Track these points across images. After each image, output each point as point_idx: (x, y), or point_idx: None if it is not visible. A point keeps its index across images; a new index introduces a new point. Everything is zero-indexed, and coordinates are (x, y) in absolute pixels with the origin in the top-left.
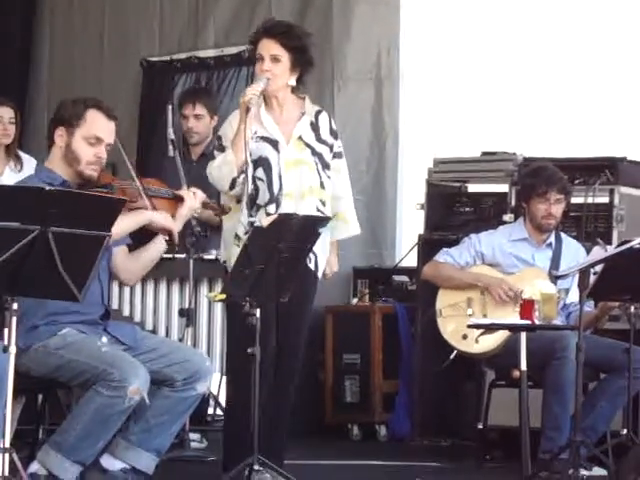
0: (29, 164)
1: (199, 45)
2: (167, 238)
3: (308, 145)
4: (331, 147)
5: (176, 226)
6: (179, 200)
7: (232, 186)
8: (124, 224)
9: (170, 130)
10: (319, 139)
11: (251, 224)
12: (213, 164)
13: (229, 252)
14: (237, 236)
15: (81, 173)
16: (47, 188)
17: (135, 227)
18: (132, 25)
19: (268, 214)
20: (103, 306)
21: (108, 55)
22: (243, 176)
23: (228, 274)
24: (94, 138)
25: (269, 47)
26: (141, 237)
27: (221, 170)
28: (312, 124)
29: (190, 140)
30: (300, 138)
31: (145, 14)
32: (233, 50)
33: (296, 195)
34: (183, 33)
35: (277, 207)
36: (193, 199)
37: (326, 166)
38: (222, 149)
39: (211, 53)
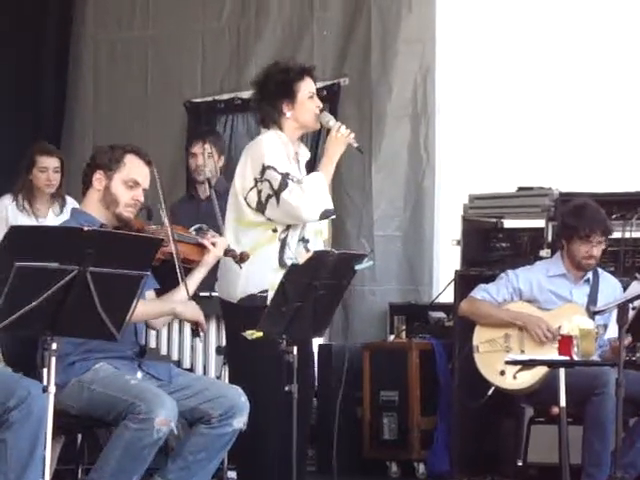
0: (70, 207)
1: (242, 86)
2: (194, 327)
3: None
4: None
5: (201, 274)
6: (204, 247)
7: (324, 216)
8: (149, 309)
9: (206, 170)
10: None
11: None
12: (302, 190)
13: (274, 280)
14: (284, 264)
15: (119, 215)
16: (85, 228)
17: (158, 316)
18: (175, 67)
19: (307, 250)
20: (137, 344)
21: (152, 97)
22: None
23: (265, 312)
24: (132, 182)
25: (314, 86)
26: (170, 281)
27: (314, 198)
28: (307, 162)
29: (198, 178)
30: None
31: (187, 56)
32: None
33: (313, 232)
34: (225, 74)
35: (306, 244)
36: (217, 250)
37: None
38: (288, 177)
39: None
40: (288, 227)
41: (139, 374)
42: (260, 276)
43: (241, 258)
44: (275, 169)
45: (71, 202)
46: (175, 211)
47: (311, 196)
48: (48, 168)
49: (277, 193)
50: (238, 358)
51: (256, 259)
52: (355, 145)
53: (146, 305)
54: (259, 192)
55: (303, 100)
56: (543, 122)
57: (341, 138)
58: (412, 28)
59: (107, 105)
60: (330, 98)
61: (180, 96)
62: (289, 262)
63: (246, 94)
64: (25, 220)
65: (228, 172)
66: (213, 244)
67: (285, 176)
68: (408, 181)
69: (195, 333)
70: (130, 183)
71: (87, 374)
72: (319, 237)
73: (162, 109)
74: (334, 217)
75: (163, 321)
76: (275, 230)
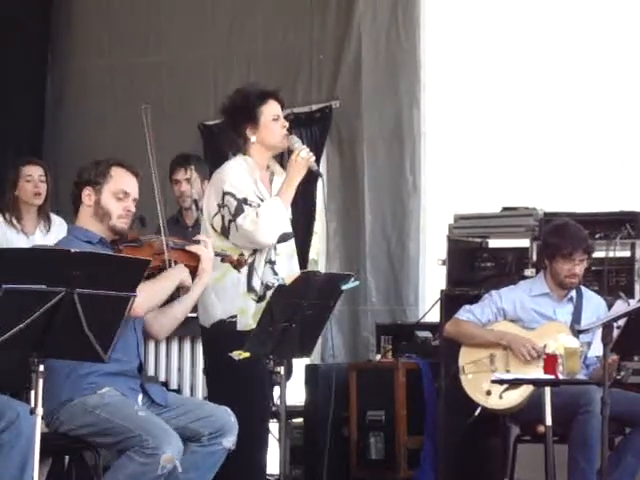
0: (59, 227)
1: None
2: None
3: None
4: None
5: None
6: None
7: (282, 239)
8: (163, 286)
9: (193, 191)
10: None
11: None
12: (257, 216)
13: (242, 305)
14: (252, 289)
15: (113, 227)
16: (72, 250)
17: (173, 288)
18: (188, 91)
19: (275, 272)
20: (138, 358)
21: (167, 120)
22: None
23: (252, 332)
24: (122, 192)
25: (279, 108)
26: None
27: (269, 222)
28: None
29: (183, 204)
30: None
31: (200, 80)
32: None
33: (286, 254)
34: None
35: (272, 265)
36: (206, 250)
37: None
38: (246, 202)
39: None
40: (254, 252)
41: (140, 396)
42: (229, 302)
43: (239, 262)
44: (233, 195)
45: (58, 221)
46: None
47: (266, 221)
48: (33, 176)
49: (234, 218)
50: (216, 380)
51: (225, 285)
52: (314, 169)
53: (150, 285)
54: (222, 217)
55: (267, 123)
56: (528, 143)
57: (301, 162)
58: (399, 52)
59: (123, 129)
60: (322, 120)
61: (194, 119)
62: (257, 287)
63: None
64: (14, 237)
65: None
66: (199, 248)
67: (242, 202)
68: (394, 202)
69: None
70: (119, 194)
71: (92, 397)
72: (294, 258)
73: (177, 131)
74: (292, 239)
75: (166, 331)
76: (242, 255)
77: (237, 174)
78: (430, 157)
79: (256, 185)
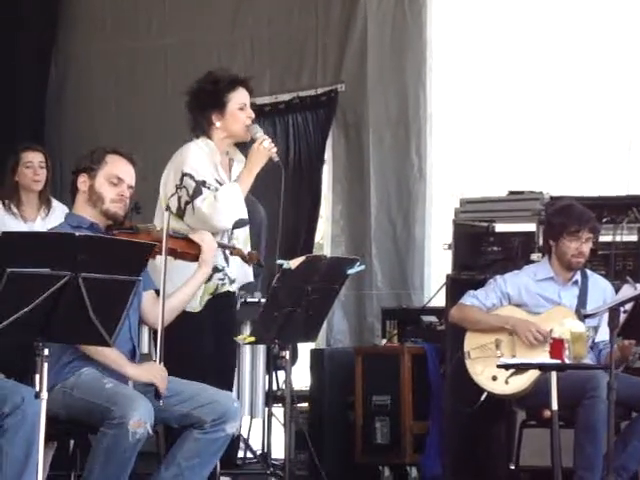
0: (59, 212)
1: (256, 93)
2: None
3: None
4: None
5: (201, 278)
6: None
7: (237, 225)
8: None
9: None
10: None
11: (280, 266)
12: (215, 200)
13: None
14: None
15: (106, 211)
16: (77, 234)
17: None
18: (192, 76)
19: (225, 256)
20: (131, 342)
21: (172, 104)
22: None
23: (258, 316)
24: (115, 178)
25: (247, 97)
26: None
27: (227, 207)
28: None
29: None
30: None
31: (204, 66)
32: (286, 97)
33: (242, 240)
34: None
35: (224, 250)
36: (209, 241)
37: None
38: (204, 185)
39: (267, 100)
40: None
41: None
42: (179, 282)
43: (249, 257)
44: (192, 177)
45: (58, 206)
46: None
47: (224, 205)
48: (33, 162)
49: (192, 200)
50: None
51: (178, 266)
52: (276, 159)
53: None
54: (179, 198)
55: (233, 111)
56: (534, 126)
57: (263, 151)
58: (405, 34)
59: (126, 113)
60: (328, 103)
61: None
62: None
63: (260, 100)
64: (13, 223)
65: None
66: (202, 238)
67: (200, 184)
68: (400, 185)
69: (156, 395)
70: (113, 180)
71: (71, 379)
72: (247, 245)
73: (180, 115)
74: (247, 226)
75: (164, 322)
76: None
77: (197, 156)
78: (436, 140)
79: (216, 169)
